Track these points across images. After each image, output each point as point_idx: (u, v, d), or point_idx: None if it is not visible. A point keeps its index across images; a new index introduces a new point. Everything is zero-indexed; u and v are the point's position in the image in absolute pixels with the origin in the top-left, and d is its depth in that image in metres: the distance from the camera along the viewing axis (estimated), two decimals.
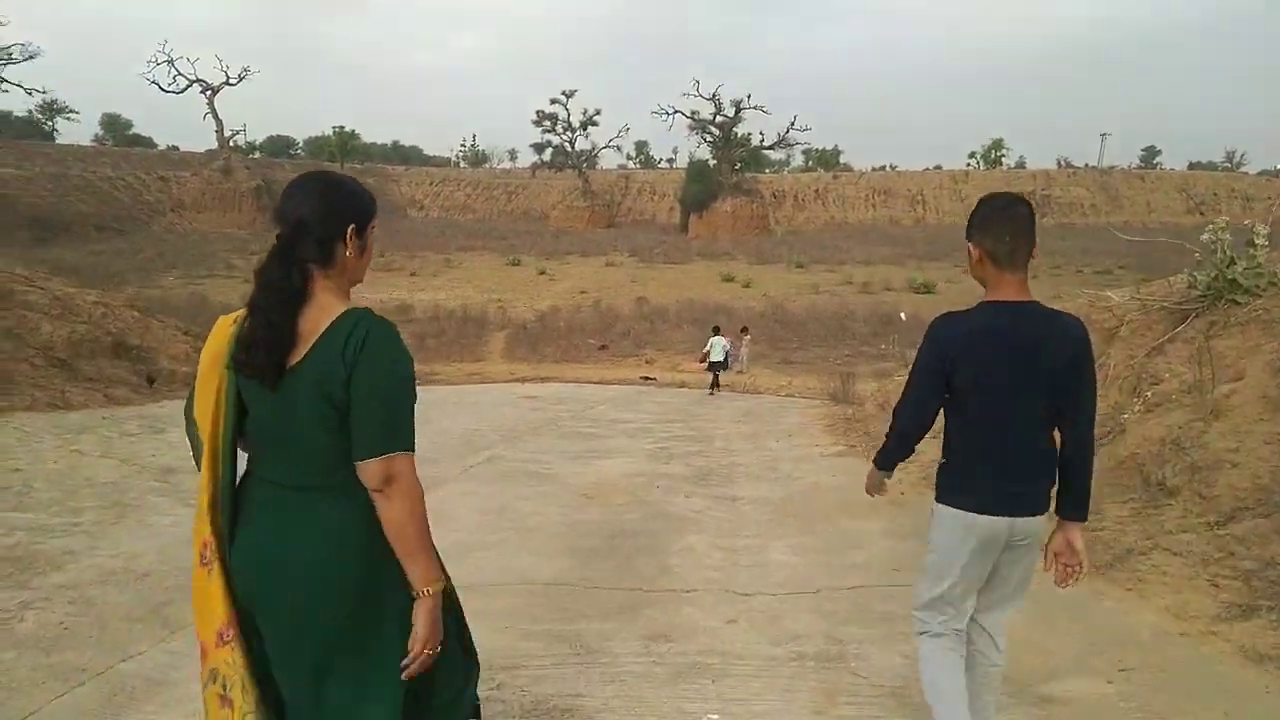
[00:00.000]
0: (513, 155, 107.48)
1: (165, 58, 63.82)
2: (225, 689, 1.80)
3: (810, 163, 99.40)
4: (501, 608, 3.90)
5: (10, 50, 51.39)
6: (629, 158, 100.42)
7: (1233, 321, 5.83)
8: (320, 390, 1.68)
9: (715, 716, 2.95)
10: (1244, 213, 76.91)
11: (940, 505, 2.46)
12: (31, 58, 52.88)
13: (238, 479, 1.86)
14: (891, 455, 2.58)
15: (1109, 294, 7.30)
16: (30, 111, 73.33)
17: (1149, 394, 5.86)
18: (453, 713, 2.00)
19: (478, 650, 2.14)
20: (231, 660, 1.79)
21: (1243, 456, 4.62)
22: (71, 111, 78.13)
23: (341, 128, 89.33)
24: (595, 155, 78.10)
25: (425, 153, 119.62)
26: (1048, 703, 3.01)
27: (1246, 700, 2.97)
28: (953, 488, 2.42)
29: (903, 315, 28.81)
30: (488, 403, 12.35)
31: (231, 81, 65.88)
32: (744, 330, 22.79)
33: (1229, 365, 5.50)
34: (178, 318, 26.55)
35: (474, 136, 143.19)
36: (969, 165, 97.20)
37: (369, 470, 1.69)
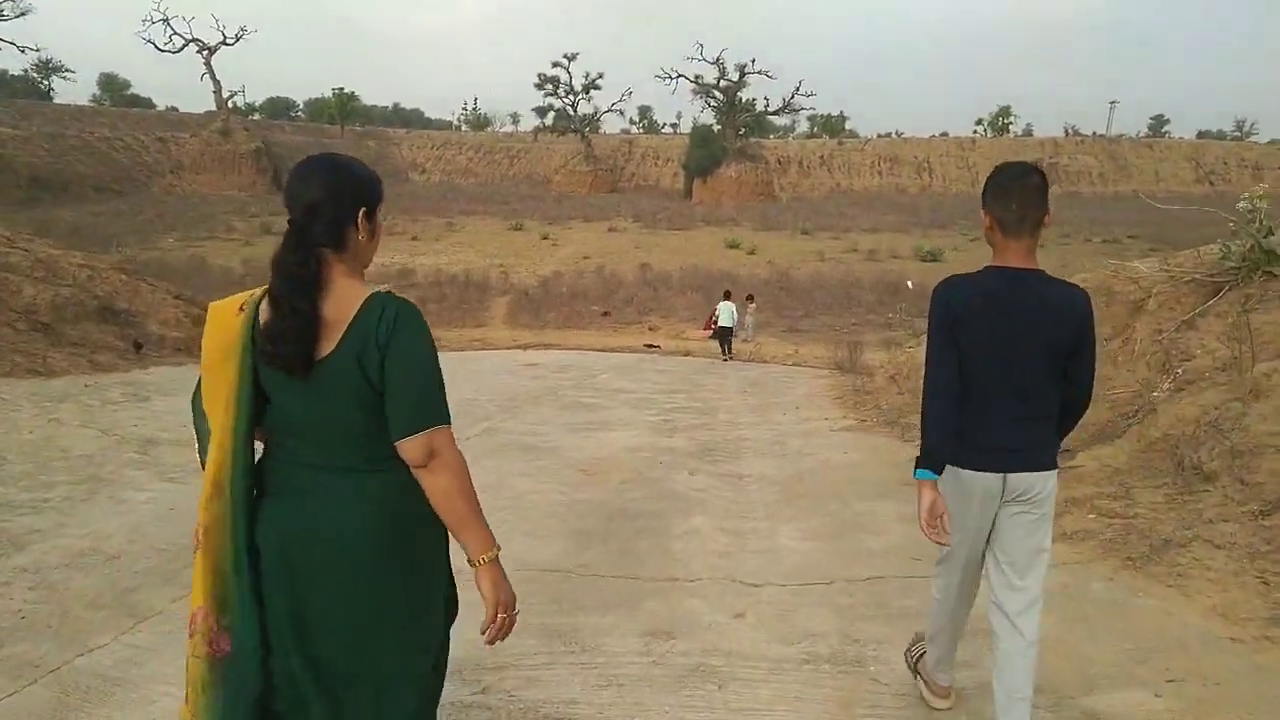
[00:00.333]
0: (515, 119, 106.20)
1: (161, 16, 62.89)
2: (186, 685, 1.80)
3: (815, 129, 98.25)
4: None
5: (1, 8, 50.50)
6: (632, 122, 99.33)
7: (1271, 295, 5.51)
8: (361, 373, 1.69)
9: None
10: (1254, 182, 75.83)
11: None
12: (24, 14, 52.01)
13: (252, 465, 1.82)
14: (932, 441, 2.38)
15: (1135, 264, 6.95)
16: (26, 70, 72.49)
17: (1180, 371, 5.55)
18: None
19: (466, 644, 2.08)
20: (193, 650, 1.77)
21: None
22: (68, 70, 77.30)
23: (341, 89, 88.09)
24: (598, 119, 77.12)
25: (427, 115, 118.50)
26: (1091, 718, 2.73)
27: None
28: (956, 448, 2.41)
29: (909, 284, 28.41)
30: (487, 370, 12.06)
31: (229, 41, 65.00)
32: (749, 298, 22.44)
33: (1268, 342, 5.18)
34: (176, 281, 26.30)
35: (475, 99, 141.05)
36: (976, 133, 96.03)
37: (411, 447, 1.69)
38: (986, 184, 2.45)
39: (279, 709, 1.82)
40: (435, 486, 1.72)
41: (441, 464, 1.71)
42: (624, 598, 3.73)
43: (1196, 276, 6.02)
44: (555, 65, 72.08)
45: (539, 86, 73.17)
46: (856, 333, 21.84)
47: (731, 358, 17.40)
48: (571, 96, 73.33)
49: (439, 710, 2.00)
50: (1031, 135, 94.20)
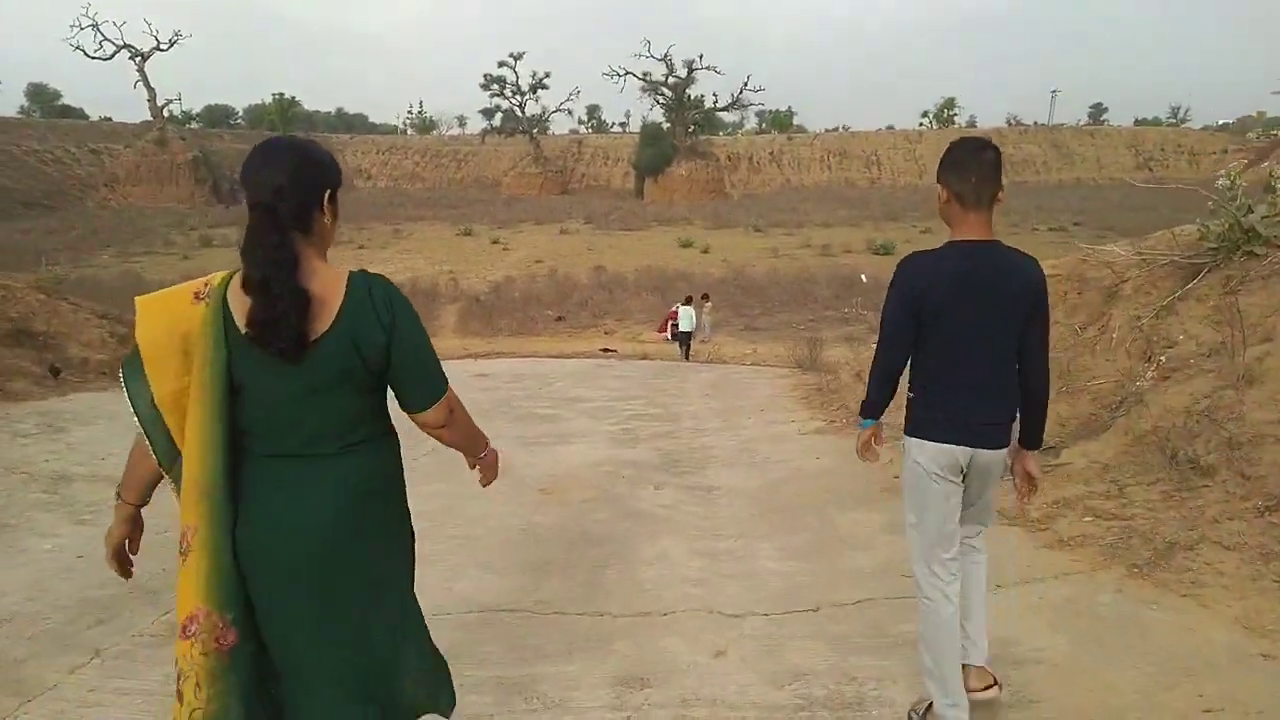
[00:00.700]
0: (462, 122, 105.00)
1: (90, 22, 60.84)
2: (180, 682, 1.74)
3: (764, 125, 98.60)
4: (445, 645, 3.20)
5: None
6: (581, 122, 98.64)
7: (1254, 276, 5.28)
8: (356, 353, 1.69)
9: None
10: (1190, 167, 78.12)
11: (910, 438, 2.58)
12: None
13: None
14: (876, 400, 2.65)
15: (1108, 248, 6.72)
16: None
17: (1163, 358, 5.30)
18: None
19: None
20: (190, 654, 1.72)
21: None
22: None
23: (281, 95, 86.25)
24: (546, 120, 76.50)
25: (371, 120, 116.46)
26: None
27: None
28: (921, 420, 2.54)
29: (864, 277, 28.38)
30: None
31: (162, 47, 63.04)
32: (705, 297, 22.19)
33: (1255, 325, 4.95)
34: (109, 299, 25.27)
35: (421, 103, 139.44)
36: (922, 125, 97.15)
37: (433, 414, 1.84)
38: (943, 159, 2.52)
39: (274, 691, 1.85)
40: (456, 437, 1.97)
41: (457, 419, 1.92)
42: (590, 638, 3.34)
43: (1174, 259, 5.79)
44: (501, 65, 71.35)
45: (485, 87, 72.38)
46: (814, 329, 21.63)
47: (689, 359, 17.51)
48: (519, 97, 72.65)
49: None
50: (976, 126, 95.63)
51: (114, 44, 61.82)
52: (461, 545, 4.49)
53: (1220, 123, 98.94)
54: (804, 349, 13.81)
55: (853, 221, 47.61)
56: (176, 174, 63.87)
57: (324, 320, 1.69)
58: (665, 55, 64.57)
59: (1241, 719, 2.55)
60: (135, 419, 1.78)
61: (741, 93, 66.10)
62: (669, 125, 66.86)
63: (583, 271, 31.42)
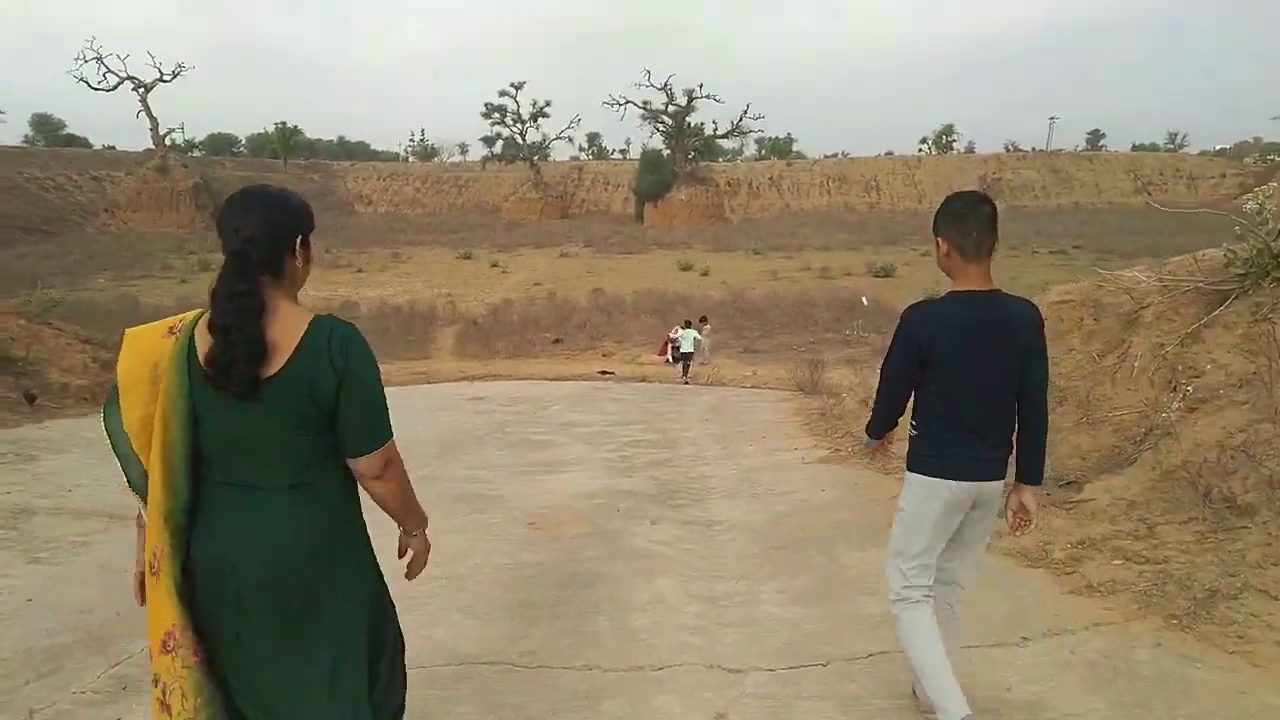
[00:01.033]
0: (463, 149, 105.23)
1: (94, 54, 61.22)
2: (165, 695, 1.80)
3: (764, 151, 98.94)
4: (414, 704, 2.89)
5: None
6: (581, 149, 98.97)
7: None
8: (310, 396, 1.74)
9: None
10: (1189, 192, 78.27)
11: (912, 474, 2.67)
12: None
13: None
14: (880, 427, 2.83)
15: (1128, 273, 6.45)
16: None
17: (1190, 388, 5.01)
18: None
19: None
20: (172, 668, 1.78)
21: None
22: None
23: (283, 123, 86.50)
24: (546, 147, 76.76)
25: (373, 148, 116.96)
26: None
27: None
28: (925, 457, 2.63)
29: (864, 300, 28.15)
30: (429, 407, 11.26)
31: (165, 78, 63.35)
32: (703, 320, 21.91)
33: None
34: (104, 322, 25.02)
35: (423, 131, 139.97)
36: (921, 151, 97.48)
37: (369, 461, 1.83)
38: (940, 214, 2.61)
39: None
40: (390, 491, 1.89)
41: (393, 472, 1.87)
42: (579, 696, 3.02)
43: (1199, 284, 5.51)
44: (502, 94, 71.73)
45: (486, 115, 72.74)
46: (815, 351, 21.37)
47: (689, 381, 17.64)
48: (519, 125, 72.94)
49: None
50: (974, 152, 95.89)
51: (117, 75, 62.19)
52: (444, 587, 4.17)
53: (1218, 148, 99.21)
54: (805, 371, 13.56)
55: (852, 245, 47.50)
56: (177, 200, 63.94)
57: (279, 361, 1.74)
58: (665, 84, 64.87)
59: None
60: (112, 448, 1.86)
61: (741, 120, 66.38)
62: (669, 152, 67.04)
63: (582, 294, 31.16)
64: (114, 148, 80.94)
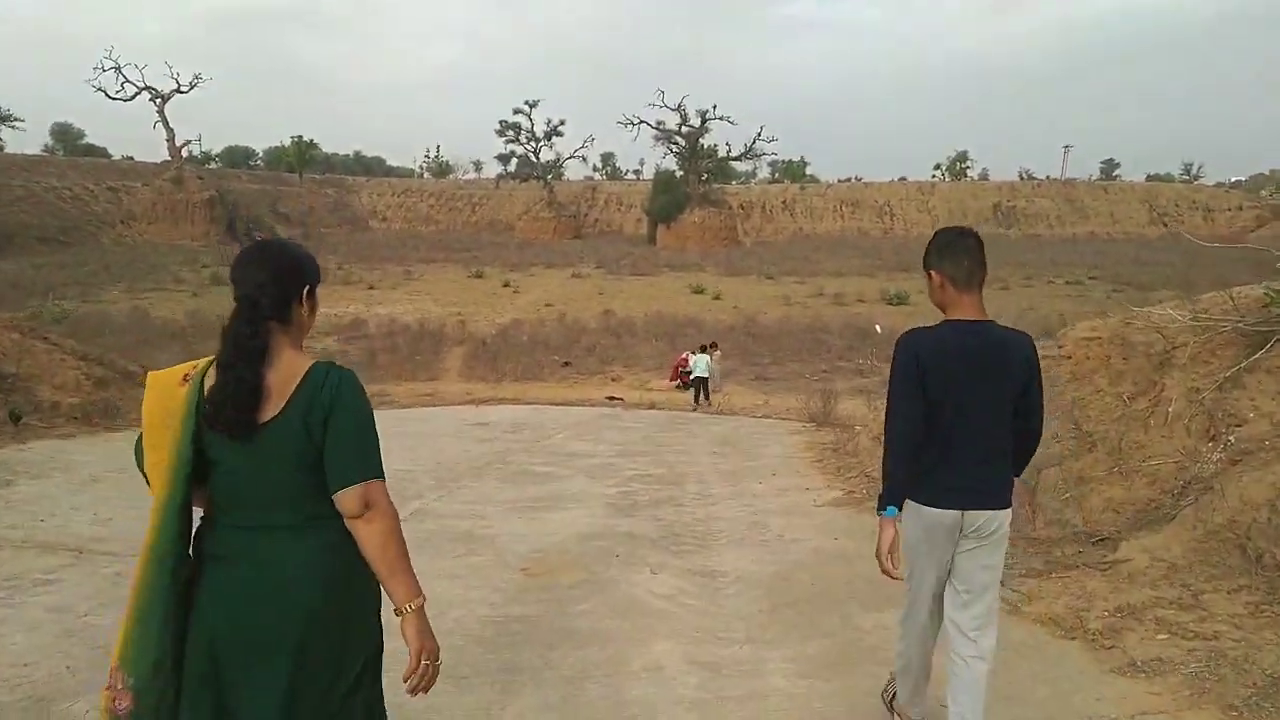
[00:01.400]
0: (478, 166, 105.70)
1: (113, 64, 61.86)
2: None
3: (777, 174, 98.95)
4: None
5: None
6: (595, 169, 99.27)
7: None
8: (307, 436, 1.83)
9: None
10: (1205, 223, 77.73)
11: (909, 501, 2.64)
12: None
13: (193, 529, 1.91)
14: (895, 481, 2.63)
15: (1157, 310, 6.12)
16: None
17: (1231, 438, 4.67)
18: None
19: None
20: (101, 704, 1.83)
21: None
22: (17, 120, 75.34)
23: (299, 137, 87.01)
24: (560, 165, 76.93)
25: (389, 164, 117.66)
26: None
27: None
28: (920, 485, 2.62)
29: (878, 328, 27.79)
30: (429, 432, 10.97)
31: (182, 89, 63.90)
32: (713, 346, 21.60)
33: None
34: (115, 334, 24.90)
35: (438, 147, 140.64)
36: (934, 177, 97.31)
37: (349, 498, 1.83)
38: (931, 248, 2.67)
39: None
40: (370, 536, 1.84)
41: (376, 514, 1.84)
42: None
43: (1238, 325, 5.18)
44: (517, 112, 71.98)
45: (500, 133, 72.96)
46: (827, 380, 21.00)
47: (700, 407, 17.65)
48: (534, 143, 73.13)
49: None
50: (988, 179, 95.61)
51: (135, 85, 62.84)
52: None
53: (1234, 180, 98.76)
54: (817, 402, 13.20)
55: (866, 271, 47.20)
56: (192, 212, 64.28)
57: (278, 404, 1.82)
58: (679, 105, 64.96)
59: None
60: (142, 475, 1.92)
61: (755, 142, 66.37)
62: (682, 173, 67.02)
63: (592, 316, 30.93)
64: (132, 158, 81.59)
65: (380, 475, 1.88)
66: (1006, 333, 2.64)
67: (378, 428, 1.92)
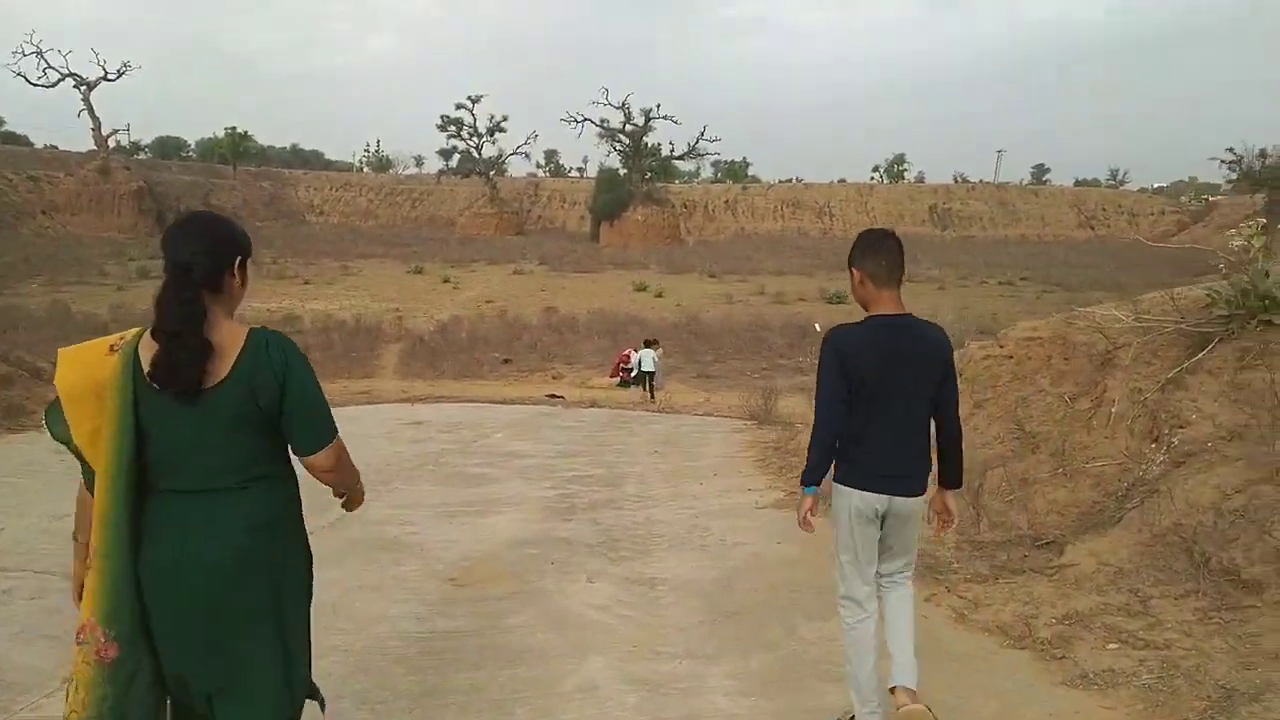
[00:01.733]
0: (419, 161, 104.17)
1: (34, 49, 59.34)
2: (69, 684, 1.92)
3: (719, 174, 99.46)
4: None
5: None
6: (538, 166, 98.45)
7: (1274, 349, 4.66)
8: (253, 398, 1.90)
9: None
10: (1130, 227, 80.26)
11: (837, 485, 2.87)
12: None
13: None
14: (819, 465, 2.84)
15: (1099, 310, 6.10)
16: None
17: (1174, 440, 4.63)
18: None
19: None
20: (77, 661, 1.90)
21: None
22: None
23: (233, 128, 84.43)
24: (503, 162, 76.08)
25: (327, 157, 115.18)
26: None
27: None
28: (847, 471, 2.84)
29: (817, 326, 27.93)
30: (362, 433, 10.55)
31: (110, 76, 61.70)
32: (654, 342, 21.46)
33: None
34: (32, 329, 23.74)
35: (378, 141, 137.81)
36: (873, 179, 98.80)
37: (321, 459, 2.01)
38: (856, 248, 2.87)
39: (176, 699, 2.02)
40: (338, 480, 2.10)
41: (342, 465, 2.07)
42: None
43: (1180, 326, 5.16)
44: (459, 107, 71.09)
45: (442, 128, 71.91)
46: (768, 377, 21.00)
47: (647, 402, 17.65)
48: (476, 139, 72.27)
49: None
50: (924, 182, 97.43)
51: (59, 71, 60.40)
52: (342, 661, 3.58)
53: (1156, 185, 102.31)
54: (758, 400, 13.11)
55: (806, 270, 47.62)
56: (119, 204, 62.10)
57: (222, 369, 1.88)
58: (623, 103, 64.78)
59: None
60: (68, 449, 1.97)
61: (698, 142, 66.52)
62: (625, 171, 66.85)
63: (534, 312, 30.55)
64: (56, 147, 78.39)
65: (337, 429, 2.06)
66: (926, 326, 2.82)
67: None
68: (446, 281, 40.72)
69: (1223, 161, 54.06)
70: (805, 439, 8.75)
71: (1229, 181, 61.50)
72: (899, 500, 2.80)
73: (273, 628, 2.00)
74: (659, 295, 36.87)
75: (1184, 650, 3.24)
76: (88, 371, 1.91)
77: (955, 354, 7.50)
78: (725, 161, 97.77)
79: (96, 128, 61.92)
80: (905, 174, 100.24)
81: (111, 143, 64.54)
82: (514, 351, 24.64)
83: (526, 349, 24.89)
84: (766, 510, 6.29)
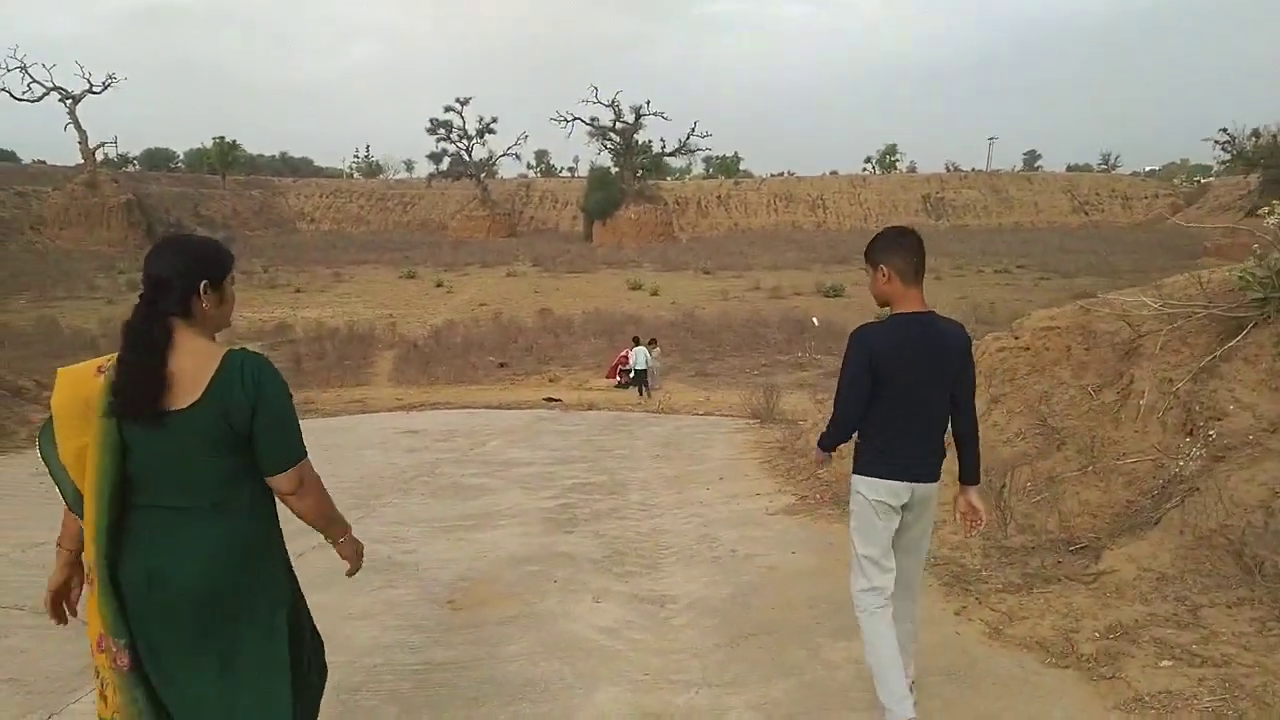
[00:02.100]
0: (409, 166, 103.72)
1: (18, 63, 58.88)
2: (104, 687, 2.02)
3: (711, 170, 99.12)
4: None
5: None
6: (529, 166, 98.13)
7: None
8: (225, 421, 1.94)
9: None
10: (1124, 211, 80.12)
11: (858, 476, 2.98)
12: None
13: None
14: (835, 439, 3.03)
15: (1121, 296, 5.83)
16: None
17: (1212, 433, 4.36)
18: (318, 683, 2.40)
19: None
20: (104, 665, 2.00)
21: None
22: None
23: (222, 138, 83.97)
24: (493, 164, 75.64)
25: (317, 164, 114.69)
26: None
27: None
28: (870, 462, 2.94)
29: (815, 321, 27.74)
30: (355, 444, 10.29)
31: (95, 90, 61.20)
32: (652, 342, 21.20)
33: None
34: (19, 345, 23.39)
35: (368, 147, 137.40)
36: (865, 170, 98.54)
37: (285, 479, 2.04)
38: (879, 244, 2.91)
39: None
40: (305, 508, 2.09)
41: (309, 489, 2.07)
42: None
43: (1211, 310, 4.89)
44: (448, 110, 70.67)
45: (431, 131, 71.52)
46: (768, 374, 20.77)
47: (646, 395, 18.24)
48: (466, 141, 71.86)
49: None
50: (916, 171, 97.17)
51: (43, 86, 59.92)
52: (330, 699, 3.28)
53: (1148, 169, 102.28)
54: (760, 398, 12.84)
55: (801, 264, 47.37)
56: (108, 217, 61.65)
57: (193, 391, 1.93)
58: (613, 101, 64.48)
59: None
60: (48, 472, 2.06)
61: (689, 138, 66.21)
62: (617, 169, 66.56)
63: (529, 315, 30.26)
64: (44, 162, 77.86)
65: (305, 453, 2.06)
66: (948, 323, 2.91)
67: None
68: (440, 286, 40.42)
69: (1216, 142, 53.81)
70: (811, 439, 8.53)
71: (1221, 163, 61.30)
72: (920, 486, 2.90)
73: (250, 646, 2.04)
74: (654, 293, 36.60)
75: (1245, 667, 2.97)
76: (76, 390, 1.97)
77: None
78: (717, 157, 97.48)
79: (83, 141, 61.49)
80: (897, 164, 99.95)
81: (99, 156, 64.01)
82: (509, 355, 24.38)
83: (522, 352, 24.62)
84: (778, 517, 6.01)
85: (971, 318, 22.65)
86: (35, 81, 59.76)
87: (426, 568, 5.04)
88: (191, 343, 1.98)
